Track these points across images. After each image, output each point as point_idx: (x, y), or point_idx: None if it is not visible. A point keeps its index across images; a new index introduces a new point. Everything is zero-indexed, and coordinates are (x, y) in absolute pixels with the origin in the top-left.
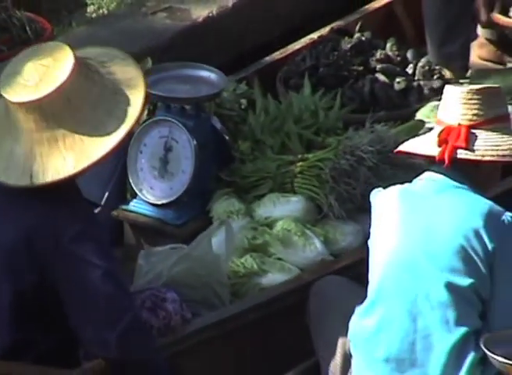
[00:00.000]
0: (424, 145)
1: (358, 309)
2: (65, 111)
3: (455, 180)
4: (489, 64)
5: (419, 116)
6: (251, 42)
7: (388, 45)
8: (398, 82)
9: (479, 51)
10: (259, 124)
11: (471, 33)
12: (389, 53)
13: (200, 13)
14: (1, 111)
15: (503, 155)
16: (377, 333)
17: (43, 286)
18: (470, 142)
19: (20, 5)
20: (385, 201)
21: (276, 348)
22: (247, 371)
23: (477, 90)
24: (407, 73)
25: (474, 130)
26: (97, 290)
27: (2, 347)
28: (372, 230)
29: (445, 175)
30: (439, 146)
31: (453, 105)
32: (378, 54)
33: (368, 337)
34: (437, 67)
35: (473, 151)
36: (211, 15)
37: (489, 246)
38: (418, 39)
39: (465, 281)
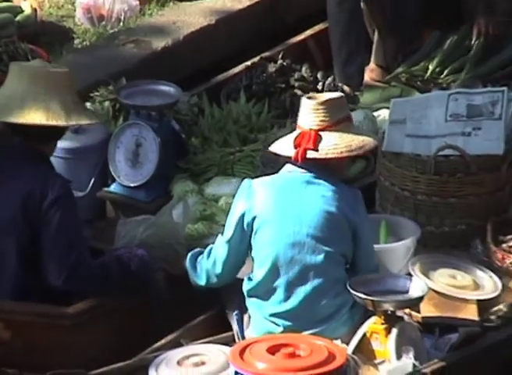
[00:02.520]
0: (284, 147)
1: (250, 276)
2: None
3: (315, 170)
4: (378, 83)
5: None
6: (199, 66)
7: (303, 69)
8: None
9: (370, 74)
10: (207, 125)
11: (365, 59)
12: (304, 74)
13: (159, 44)
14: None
15: (341, 152)
16: (269, 291)
17: (34, 240)
18: (317, 143)
19: (24, 39)
20: (264, 189)
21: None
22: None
23: (323, 101)
24: (317, 88)
25: (321, 133)
26: (58, 238)
27: (13, 292)
28: (251, 209)
29: (306, 169)
30: (295, 148)
31: (306, 114)
32: (296, 75)
33: (261, 297)
34: (339, 84)
35: (318, 151)
36: (167, 45)
37: (349, 218)
38: (325, 64)
39: (334, 246)
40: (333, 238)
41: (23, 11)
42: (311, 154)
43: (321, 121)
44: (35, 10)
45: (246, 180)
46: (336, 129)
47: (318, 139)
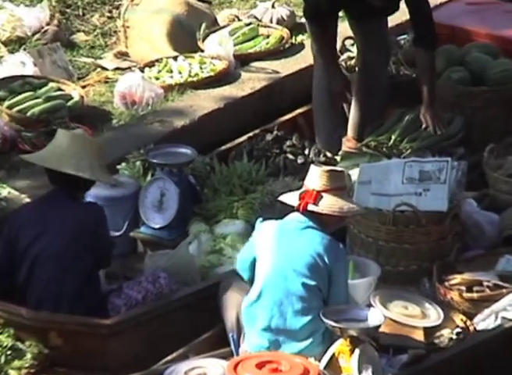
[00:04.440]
0: (291, 198)
1: (247, 298)
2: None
3: (311, 221)
4: (352, 150)
5: None
6: (210, 139)
7: (293, 138)
8: (300, 159)
9: (347, 143)
10: (217, 180)
11: (342, 132)
12: (295, 142)
13: (179, 123)
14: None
15: (334, 211)
16: (260, 313)
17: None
18: (317, 200)
19: (73, 120)
20: (268, 229)
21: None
22: (201, 320)
23: (327, 170)
24: (305, 153)
25: (323, 194)
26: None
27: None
28: (256, 248)
29: (306, 217)
30: (299, 200)
31: (313, 177)
32: (288, 143)
33: (255, 315)
34: (322, 150)
35: (317, 206)
36: (185, 123)
37: (327, 263)
38: (311, 135)
39: (313, 282)
40: (313, 275)
41: (72, 98)
42: (311, 207)
43: (323, 185)
44: (82, 97)
45: (258, 221)
46: (334, 193)
47: (318, 197)
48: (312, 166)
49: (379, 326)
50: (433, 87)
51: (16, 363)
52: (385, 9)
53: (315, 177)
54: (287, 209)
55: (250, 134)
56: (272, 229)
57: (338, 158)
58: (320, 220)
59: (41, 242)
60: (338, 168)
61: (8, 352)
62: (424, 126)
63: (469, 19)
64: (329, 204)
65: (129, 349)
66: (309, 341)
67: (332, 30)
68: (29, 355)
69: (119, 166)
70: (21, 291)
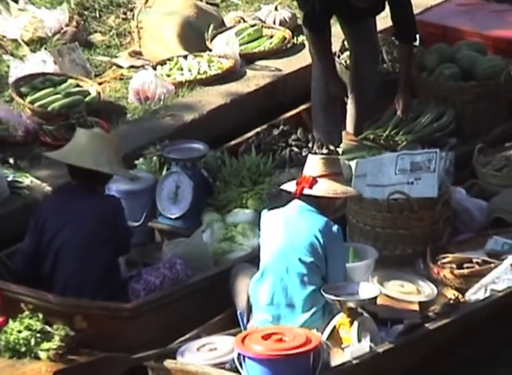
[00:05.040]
0: (291, 186)
1: (253, 278)
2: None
3: (309, 205)
4: (352, 142)
5: None
6: (218, 133)
7: (298, 132)
8: (304, 151)
9: (347, 136)
10: (227, 172)
11: (341, 128)
12: (299, 136)
13: (188, 117)
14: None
15: (328, 193)
16: (263, 290)
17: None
18: (312, 185)
19: (90, 114)
20: (271, 217)
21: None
22: (214, 303)
23: (322, 157)
24: (309, 146)
25: (318, 179)
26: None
27: (92, 293)
28: (262, 235)
29: (305, 202)
30: (296, 186)
31: (309, 165)
32: (293, 137)
33: (259, 292)
34: (325, 144)
35: (312, 190)
36: (195, 118)
37: (323, 243)
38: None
39: (310, 259)
40: (309, 253)
41: (90, 94)
42: (306, 191)
43: (319, 171)
44: (99, 93)
45: (264, 211)
46: (330, 178)
47: (313, 182)
48: (310, 155)
49: (375, 298)
50: (409, 77)
51: (45, 345)
52: (371, 11)
53: (312, 165)
54: (291, 198)
55: (258, 129)
56: (274, 216)
57: (340, 150)
58: (318, 204)
59: (64, 234)
60: (333, 156)
61: (38, 335)
62: (398, 111)
63: (459, 19)
64: (324, 187)
65: (148, 331)
66: (310, 312)
67: (328, 34)
68: (56, 338)
69: (136, 162)
70: (47, 279)
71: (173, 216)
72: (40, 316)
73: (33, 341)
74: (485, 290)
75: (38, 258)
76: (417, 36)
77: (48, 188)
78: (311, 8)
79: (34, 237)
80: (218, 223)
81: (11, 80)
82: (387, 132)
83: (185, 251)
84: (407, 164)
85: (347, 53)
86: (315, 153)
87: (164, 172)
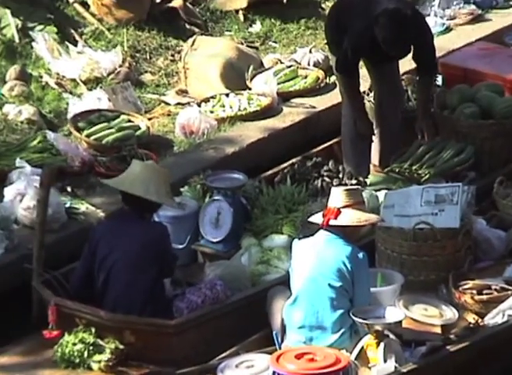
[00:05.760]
0: (317, 218)
1: (286, 303)
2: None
3: (335, 234)
4: (379, 174)
5: None
6: (256, 164)
7: (330, 164)
8: (335, 182)
9: (374, 168)
10: (264, 200)
11: (369, 161)
12: (331, 168)
13: (229, 150)
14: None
15: (352, 222)
16: (296, 314)
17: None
18: (337, 216)
19: (141, 147)
20: (301, 246)
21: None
22: (251, 321)
23: (345, 189)
24: (339, 177)
25: (342, 210)
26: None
27: (140, 311)
28: (292, 263)
29: (331, 232)
30: (323, 218)
31: (333, 197)
32: (325, 168)
33: (292, 316)
34: (355, 175)
35: (337, 220)
36: (235, 150)
37: (350, 268)
38: None
39: (339, 284)
40: (338, 278)
41: (140, 128)
42: (332, 222)
43: (343, 202)
44: (148, 128)
45: (295, 240)
46: (353, 208)
47: (338, 213)
48: (333, 188)
49: (400, 322)
50: (428, 105)
51: (97, 357)
52: (398, 56)
53: (336, 197)
54: (319, 227)
55: (293, 160)
56: (304, 245)
57: (367, 181)
58: (343, 232)
59: (115, 256)
60: (354, 186)
61: (91, 348)
62: (419, 137)
63: (479, 62)
64: (348, 217)
65: (190, 345)
66: (339, 333)
67: (357, 77)
68: (107, 350)
69: (182, 189)
70: (99, 296)
71: (215, 240)
72: (93, 330)
73: (86, 353)
74: (503, 315)
75: (91, 277)
76: (440, 76)
77: (102, 214)
78: (344, 55)
79: (88, 258)
80: (256, 247)
81: (69, 115)
82: (411, 165)
83: (225, 273)
84: (432, 196)
85: None
86: (340, 184)
87: (206, 199)
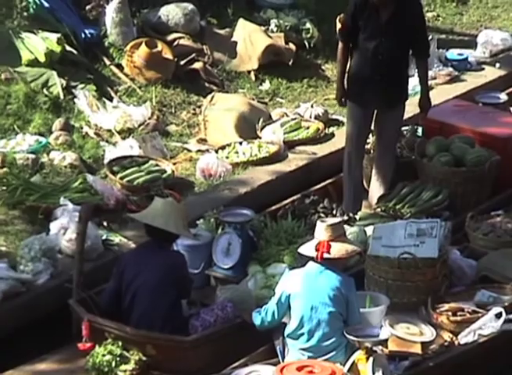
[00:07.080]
0: (310, 250)
1: (288, 328)
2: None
3: (326, 265)
4: (369, 212)
5: None
6: (265, 201)
7: (325, 202)
8: (329, 217)
9: (365, 207)
10: (269, 233)
11: (361, 201)
12: (326, 205)
13: (242, 190)
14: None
15: (342, 255)
16: (297, 338)
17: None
18: (329, 249)
19: (166, 187)
20: (295, 277)
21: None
22: (256, 338)
23: (330, 224)
24: (333, 213)
25: (331, 243)
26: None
27: (161, 329)
28: (288, 290)
29: (321, 264)
30: (316, 251)
31: (320, 230)
32: (321, 205)
33: (294, 340)
34: (346, 211)
35: (330, 254)
36: (247, 190)
37: (344, 293)
38: (338, 200)
39: (336, 309)
40: (335, 304)
41: (166, 171)
42: (326, 255)
43: (330, 236)
44: (173, 171)
45: (286, 270)
46: (338, 240)
47: (329, 247)
48: (318, 222)
49: (387, 339)
50: (427, 85)
51: (123, 367)
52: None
53: (322, 230)
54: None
55: (293, 198)
56: (300, 275)
57: (357, 217)
58: (333, 263)
59: (140, 279)
60: (336, 220)
61: (118, 359)
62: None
63: (454, 117)
64: (338, 250)
65: (204, 358)
66: (335, 351)
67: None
68: (132, 361)
69: (198, 222)
70: (126, 314)
71: (225, 267)
72: (120, 343)
73: (113, 364)
74: (474, 334)
75: (119, 297)
76: (420, 128)
77: (133, 245)
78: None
79: (116, 280)
80: (260, 273)
81: (106, 161)
82: (395, 205)
83: (233, 296)
84: (414, 230)
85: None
86: (323, 220)
87: (219, 231)
